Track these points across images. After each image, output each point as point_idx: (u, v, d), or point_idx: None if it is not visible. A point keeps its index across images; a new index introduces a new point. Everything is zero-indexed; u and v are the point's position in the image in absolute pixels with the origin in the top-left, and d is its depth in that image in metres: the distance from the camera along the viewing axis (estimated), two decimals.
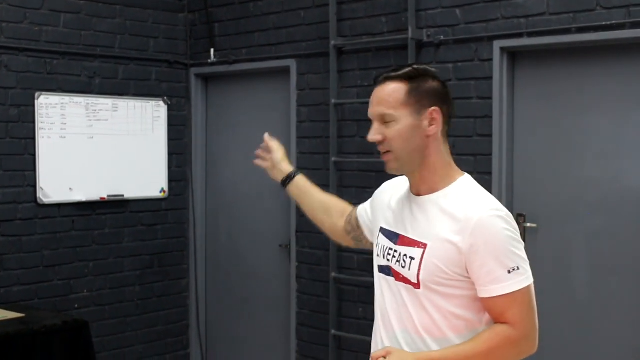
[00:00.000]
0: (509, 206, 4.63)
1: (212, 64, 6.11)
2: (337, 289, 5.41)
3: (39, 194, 5.42)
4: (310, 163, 5.52)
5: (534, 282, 2.32)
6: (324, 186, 5.39)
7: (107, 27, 5.76)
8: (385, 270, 2.44)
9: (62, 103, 5.51)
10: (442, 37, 4.84)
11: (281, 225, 5.87)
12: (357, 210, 2.77)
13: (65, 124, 5.53)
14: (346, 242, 2.84)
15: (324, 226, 2.87)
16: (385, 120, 2.35)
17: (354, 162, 5.27)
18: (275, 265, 5.93)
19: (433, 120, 2.35)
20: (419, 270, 2.30)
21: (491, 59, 4.64)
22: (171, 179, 6.18)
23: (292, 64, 5.63)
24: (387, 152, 2.36)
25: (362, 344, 5.10)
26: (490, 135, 4.66)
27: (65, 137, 5.53)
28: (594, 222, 4.45)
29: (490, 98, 4.65)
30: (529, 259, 2.33)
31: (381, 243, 2.49)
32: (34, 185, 5.40)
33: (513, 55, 4.67)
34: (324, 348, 5.50)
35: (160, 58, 6.09)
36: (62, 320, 4.84)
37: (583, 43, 4.37)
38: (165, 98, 6.11)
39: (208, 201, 6.38)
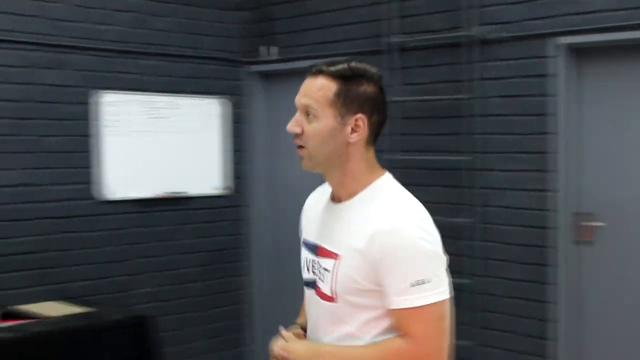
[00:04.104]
0: (577, 205, 4.62)
1: (270, 61, 6.13)
2: None
3: (101, 191, 5.49)
4: None
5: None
6: None
7: (163, 25, 5.82)
8: (311, 284, 2.32)
9: (122, 101, 5.58)
10: (503, 34, 4.81)
11: None
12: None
13: (125, 121, 5.60)
14: None
15: None
16: (307, 114, 2.17)
17: (416, 160, 5.26)
18: None
19: (357, 128, 2.16)
20: (333, 283, 2.17)
21: (555, 56, 4.61)
22: (230, 176, 6.23)
23: None
24: (302, 147, 2.19)
25: None
26: (553, 133, 4.63)
27: (125, 135, 5.60)
28: None
29: (554, 95, 4.62)
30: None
31: (303, 256, 2.40)
32: (95, 183, 5.48)
33: (578, 52, 4.63)
34: None
35: (217, 56, 6.13)
36: (126, 315, 4.90)
37: None
38: (223, 95, 6.15)
39: (268, 198, 6.41)
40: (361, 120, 2.15)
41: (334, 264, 2.16)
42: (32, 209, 5.26)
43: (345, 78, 2.16)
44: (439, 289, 2.08)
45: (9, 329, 4.52)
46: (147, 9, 5.73)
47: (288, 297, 6.29)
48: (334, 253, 2.17)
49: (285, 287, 6.29)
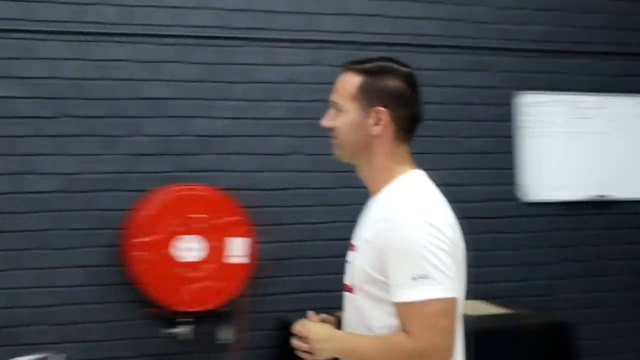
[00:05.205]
0: None
1: None
2: None
3: (524, 193, 5.46)
4: None
5: None
6: None
7: (589, 22, 5.63)
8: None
9: (545, 101, 5.49)
10: None
11: None
12: None
13: (548, 122, 5.50)
14: None
15: None
16: (336, 109, 2.30)
17: None
18: None
19: (379, 121, 2.24)
20: (353, 273, 2.25)
21: None
22: None
23: None
24: (335, 138, 2.32)
25: None
26: None
27: (548, 136, 5.50)
28: None
29: None
30: None
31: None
32: (518, 184, 5.45)
33: None
34: None
35: None
36: (546, 320, 4.80)
37: None
38: None
39: None
40: (382, 113, 2.23)
41: (353, 256, 2.26)
42: (456, 208, 5.37)
43: (368, 73, 2.26)
44: (440, 285, 2.05)
45: None
46: (572, 6, 5.59)
47: None
48: (354, 245, 2.28)
49: None
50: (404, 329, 2.08)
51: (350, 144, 2.29)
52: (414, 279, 2.05)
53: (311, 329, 2.28)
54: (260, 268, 4.82)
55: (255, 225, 4.79)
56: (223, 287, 4.69)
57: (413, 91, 2.29)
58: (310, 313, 2.37)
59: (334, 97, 2.32)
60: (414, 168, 2.31)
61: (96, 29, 4.72)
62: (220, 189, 4.79)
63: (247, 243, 4.71)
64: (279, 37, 4.99)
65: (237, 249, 4.70)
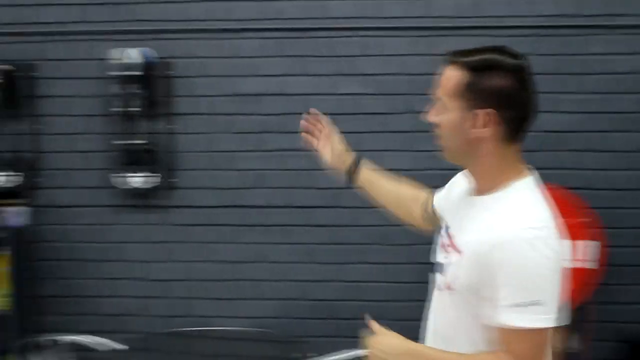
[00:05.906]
0: None
1: None
2: None
3: None
4: None
5: None
6: None
7: None
8: (439, 267, 2.23)
9: None
10: None
11: None
12: (435, 199, 2.55)
13: None
14: (424, 227, 2.63)
15: (398, 215, 2.72)
16: (439, 105, 2.12)
17: None
18: None
19: (483, 124, 2.06)
20: (452, 276, 2.13)
21: None
22: None
23: None
24: (439, 137, 2.15)
25: None
26: None
27: None
28: None
29: None
30: None
31: (442, 239, 2.28)
32: None
33: None
34: None
35: None
36: None
37: None
38: None
39: None
40: (489, 115, 2.06)
41: (458, 260, 2.12)
42: None
43: (474, 69, 2.06)
44: (549, 315, 2.00)
45: None
46: None
47: None
48: (459, 249, 2.13)
49: None
50: (507, 350, 2.02)
51: (453, 145, 2.15)
52: (527, 305, 1.98)
53: (383, 342, 2.16)
54: (605, 274, 4.53)
55: (602, 228, 4.50)
56: (568, 293, 4.47)
57: (523, 88, 2.08)
58: (370, 319, 2.25)
59: (438, 93, 2.15)
60: (524, 170, 2.16)
61: (438, 24, 4.63)
62: (567, 188, 4.55)
63: (595, 247, 4.44)
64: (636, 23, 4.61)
65: (584, 253, 4.45)
